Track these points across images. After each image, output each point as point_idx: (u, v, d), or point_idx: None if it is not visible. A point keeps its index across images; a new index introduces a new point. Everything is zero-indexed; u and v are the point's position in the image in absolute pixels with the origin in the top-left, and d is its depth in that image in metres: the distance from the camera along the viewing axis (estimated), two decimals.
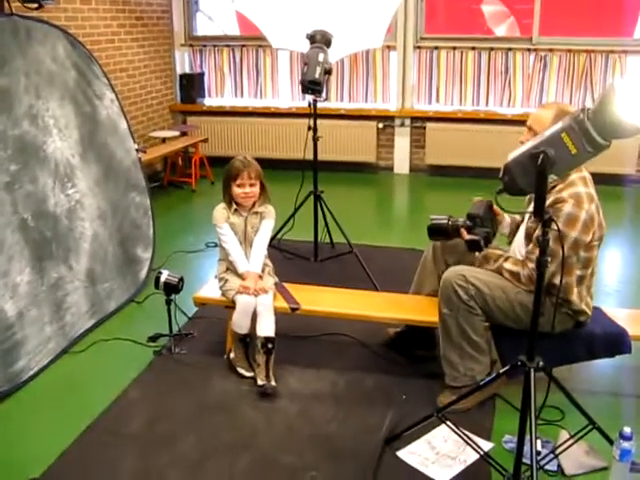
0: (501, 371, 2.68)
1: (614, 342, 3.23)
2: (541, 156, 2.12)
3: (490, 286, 3.07)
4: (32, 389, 3.40)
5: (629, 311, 3.74)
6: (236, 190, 3.52)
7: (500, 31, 7.77)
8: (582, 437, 2.70)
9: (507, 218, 3.43)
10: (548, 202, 2.79)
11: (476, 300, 3.06)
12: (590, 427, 2.69)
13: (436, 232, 3.36)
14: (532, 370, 2.47)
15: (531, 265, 2.98)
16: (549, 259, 2.46)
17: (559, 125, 2.18)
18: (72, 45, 4.31)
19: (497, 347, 3.25)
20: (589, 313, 3.15)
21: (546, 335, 2.89)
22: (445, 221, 3.30)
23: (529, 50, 7.31)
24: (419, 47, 7.60)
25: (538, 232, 2.73)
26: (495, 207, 3.28)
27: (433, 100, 7.73)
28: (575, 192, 2.92)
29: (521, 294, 3.07)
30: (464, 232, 3.22)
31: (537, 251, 2.45)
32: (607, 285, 4.76)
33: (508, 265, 3.12)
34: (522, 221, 3.36)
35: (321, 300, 3.70)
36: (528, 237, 3.11)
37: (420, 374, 3.42)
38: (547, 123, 2.86)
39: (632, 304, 4.21)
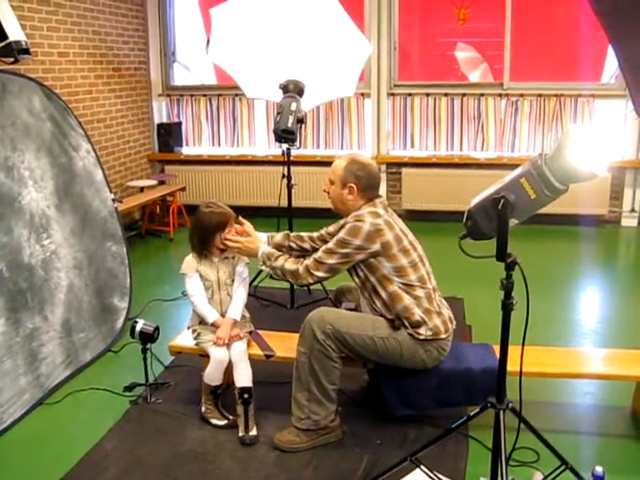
0: (472, 413, 2.70)
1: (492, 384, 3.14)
2: (502, 201, 2.18)
3: (349, 325, 3.16)
4: (5, 442, 3.37)
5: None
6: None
7: (474, 77, 7.93)
8: (555, 478, 2.72)
9: (262, 237, 3.63)
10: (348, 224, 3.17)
11: (333, 340, 3.13)
12: (563, 467, 2.71)
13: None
14: (501, 411, 2.50)
15: (314, 255, 3.22)
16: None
17: (519, 170, 2.25)
18: (48, 97, 4.37)
19: (379, 389, 3.36)
20: (440, 331, 3.20)
21: (422, 374, 3.18)
22: None
23: (500, 95, 7.48)
24: (393, 94, 7.74)
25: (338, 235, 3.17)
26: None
27: (408, 146, 7.85)
28: (356, 214, 3.18)
29: (380, 329, 3.18)
30: None
31: (322, 248, 3.19)
32: (583, 325, 4.81)
33: (288, 265, 3.29)
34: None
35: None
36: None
37: (394, 419, 3.42)
38: (340, 171, 3.23)
39: (609, 344, 4.27)
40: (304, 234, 3.67)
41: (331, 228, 3.57)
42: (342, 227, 3.21)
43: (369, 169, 3.26)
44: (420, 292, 3.18)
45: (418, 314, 3.15)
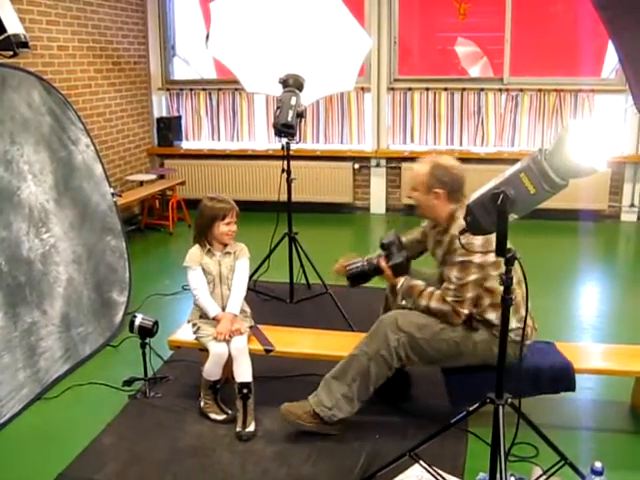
0: (471, 409, 2.70)
1: (559, 378, 3.27)
2: (501, 196, 2.17)
3: (422, 329, 3.12)
4: (4, 436, 3.36)
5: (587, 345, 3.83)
6: (223, 229, 3.52)
7: (474, 71, 7.91)
8: (554, 473, 2.71)
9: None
10: (459, 245, 2.88)
11: (404, 349, 3.11)
12: (562, 463, 2.71)
13: (357, 278, 3.53)
14: (501, 407, 2.50)
15: (449, 299, 3.09)
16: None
17: (518, 165, 2.24)
18: (47, 91, 4.36)
19: (446, 385, 3.32)
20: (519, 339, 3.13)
21: (491, 368, 2.96)
22: (361, 264, 3.49)
23: (500, 90, 7.46)
24: (393, 88, 7.72)
25: (447, 272, 3.08)
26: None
27: (408, 140, 7.83)
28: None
29: (456, 331, 3.14)
30: (383, 262, 3.38)
31: (451, 287, 3.01)
32: (582, 320, 4.81)
33: (434, 304, 3.15)
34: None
35: (296, 341, 3.72)
36: (440, 279, 3.22)
37: (394, 413, 3.42)
38: (422, 177, 3.14)
39: (608, 339, 4.26)
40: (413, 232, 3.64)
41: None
42: (449, 242, 3.09)
43: (454, 172, 3.17)
44: (518, 296, 3.02)
45: (514, 322, 3.06)
